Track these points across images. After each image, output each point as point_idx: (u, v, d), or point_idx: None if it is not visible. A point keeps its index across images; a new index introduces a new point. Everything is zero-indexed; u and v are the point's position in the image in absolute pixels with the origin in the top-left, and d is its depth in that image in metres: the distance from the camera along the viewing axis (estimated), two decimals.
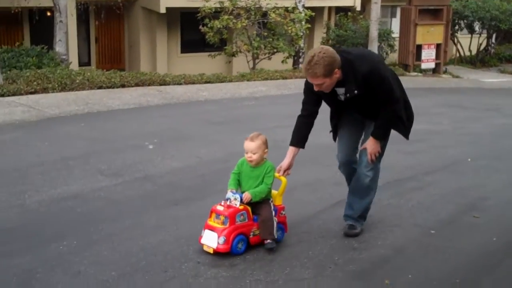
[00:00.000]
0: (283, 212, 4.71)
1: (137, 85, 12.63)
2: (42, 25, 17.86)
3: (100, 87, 12.05)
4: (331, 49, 4.31)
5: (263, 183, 4.47)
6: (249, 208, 4.42)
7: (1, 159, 7.06)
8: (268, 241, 4.43)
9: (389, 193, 5.97)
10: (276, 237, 4.48)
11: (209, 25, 16.31)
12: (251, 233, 4.43)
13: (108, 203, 5.59)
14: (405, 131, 4.83)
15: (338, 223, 5.05)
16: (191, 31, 19.31)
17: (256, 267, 4.24)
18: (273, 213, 4.48)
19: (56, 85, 11.70)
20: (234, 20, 16.05)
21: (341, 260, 4.44)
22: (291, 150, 4.71)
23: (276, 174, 4.61)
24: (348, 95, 4.44)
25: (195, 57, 19.79)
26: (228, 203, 4.37)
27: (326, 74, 4.23)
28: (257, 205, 4.46)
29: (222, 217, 4.33)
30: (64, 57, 15.00)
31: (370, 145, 4.66)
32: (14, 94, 11.00)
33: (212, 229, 4.33)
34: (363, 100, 4.49)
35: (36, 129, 8.72)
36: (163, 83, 13.10)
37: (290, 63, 17.67)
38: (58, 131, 8.56)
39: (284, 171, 4.69)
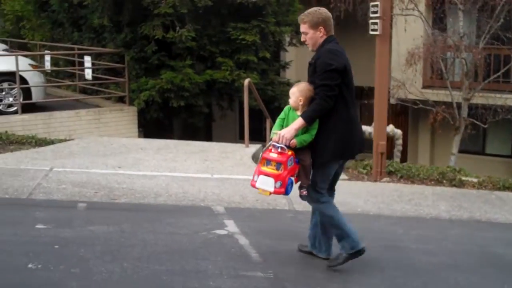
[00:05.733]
0: None
1: None
2: None
3: None
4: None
5: (307, 133, 4.72)
6: (294, 153, 4.73)
7: None
8: (304, 192, 4.84)
9: None
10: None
11: None
12: (295, 174, 4.80)
13: None
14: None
15: None
16: None
17: None
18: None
19: None
20: None
21: None
22: None
23: None
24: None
25: None
26: (279, 150, 4.68)
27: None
28: (298, 150, 4.75)
29: (273, 163, 4.70)
30: None
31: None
32: None
33: (267, 175, 4.72)
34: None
35: None
36: None
37: None
38: None
39: None
